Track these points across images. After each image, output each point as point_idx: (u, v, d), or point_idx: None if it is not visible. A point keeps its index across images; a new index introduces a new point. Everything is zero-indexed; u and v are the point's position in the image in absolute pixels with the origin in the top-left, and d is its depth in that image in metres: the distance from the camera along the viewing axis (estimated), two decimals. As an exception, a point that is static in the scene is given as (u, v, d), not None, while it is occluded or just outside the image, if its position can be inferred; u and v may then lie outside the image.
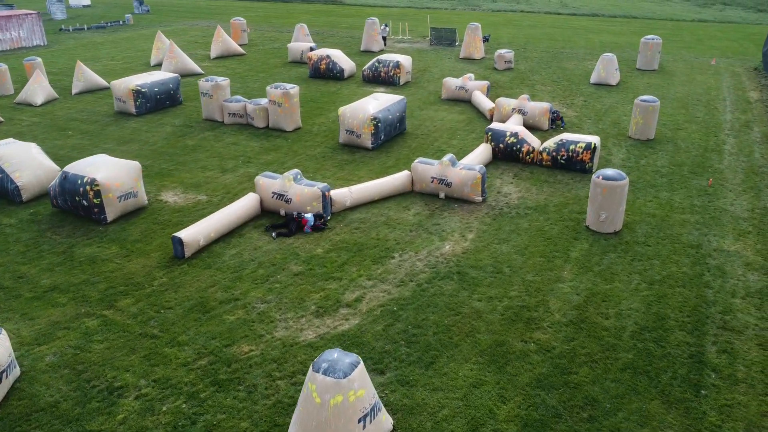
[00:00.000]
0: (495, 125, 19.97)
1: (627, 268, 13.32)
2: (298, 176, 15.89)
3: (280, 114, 22.86)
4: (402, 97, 22.32)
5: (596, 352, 10.72)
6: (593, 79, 29.68)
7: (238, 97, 24.28)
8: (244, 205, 15.56)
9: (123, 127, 23.82)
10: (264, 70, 33.47)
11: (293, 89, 22.56)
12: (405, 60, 29.88)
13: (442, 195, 16.86)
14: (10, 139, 18.23)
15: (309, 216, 15.11)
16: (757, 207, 16.20)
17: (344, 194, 16.21)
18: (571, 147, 18.58)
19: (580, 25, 48.55)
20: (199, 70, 32.82)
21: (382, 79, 30.12)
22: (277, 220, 15.65)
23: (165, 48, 34.54)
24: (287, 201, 15.61)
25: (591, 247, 14.25)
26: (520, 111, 22.82)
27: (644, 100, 21.18)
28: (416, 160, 17.37)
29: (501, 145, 19.55)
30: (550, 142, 19.10)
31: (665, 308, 11.91)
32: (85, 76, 29.08)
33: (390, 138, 21.64)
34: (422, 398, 9.73)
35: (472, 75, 26.97)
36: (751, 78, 30.66)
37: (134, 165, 16.16)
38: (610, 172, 14.66)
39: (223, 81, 24.24)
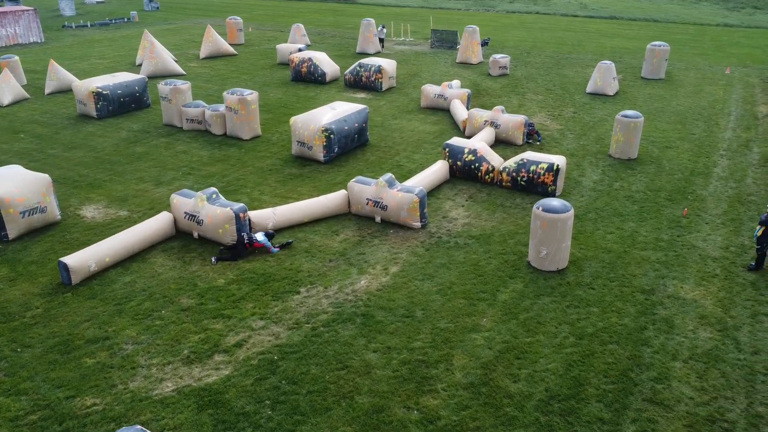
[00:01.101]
0: (454, 140, 18.25)
1: (558, 317, 11.54)
2: (214, 196, 14.48)
3: (236, 122, 21.54)
4: (363, 106, 20.76)
5: (488, 426, 9.02)
6: (589, 88, 27.60)
7: (198, 102, 23.06)
8: (153, 225, 14.25)
9: (78, 131, 22.84)
10: (248, 72, 32.28)
11: (251, 95, 21.22)
12: (387, 64, 28.27)
13: (378, 219, 15.28)
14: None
15: (262, 239, 13.79)
16: (732, 244, 14.16)
17: (266, 216, 14.76)
18: (532, 168, 16.74)
19: (595, 29, 46.12)
20: (180, 70, 31.79)
21: (363, 84, 28.59)
22: (215, 246, 14.30)
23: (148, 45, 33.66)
24: (199, 223, 14.23)
25: (525, 288, 12.49)
26: (492, 124, 21.02)
27: (626, 116, 19.17)
28: (354, 179, 15.80)
29: (459, 163, 17.83)
30: (511, 162, 17.30)
31: (587, 371, 10.12)
32: (58, 75, 28.27)
33: (346, 150, 20.10)
34: (263, 479, 8.23)
35: (453, 83, 25.21)
36: (765, 90, 28.10)
37: (43, 178, 15.00)
38: (554, 203, 12.86)
39: (183, 84, 23.05)
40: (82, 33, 45.69)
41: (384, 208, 15.06)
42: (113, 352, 10.71)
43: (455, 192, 17.24)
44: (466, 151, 17.71)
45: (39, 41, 41.81)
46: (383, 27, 37.93)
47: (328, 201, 15.51)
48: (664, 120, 23.51)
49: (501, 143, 20.85)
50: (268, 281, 12.82)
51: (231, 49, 36.94)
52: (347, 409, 9.36)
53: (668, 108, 25.12)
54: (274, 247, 13.96)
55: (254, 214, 14.66)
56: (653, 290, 12.40)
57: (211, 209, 14.07)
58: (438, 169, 17.53)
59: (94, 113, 24.14)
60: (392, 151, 20.57)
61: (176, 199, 14.67)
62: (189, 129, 22.75)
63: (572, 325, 11.30)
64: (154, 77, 30.71)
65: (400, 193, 14.87)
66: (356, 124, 20.07)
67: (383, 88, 28.21)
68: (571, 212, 12.76)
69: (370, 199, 15.24)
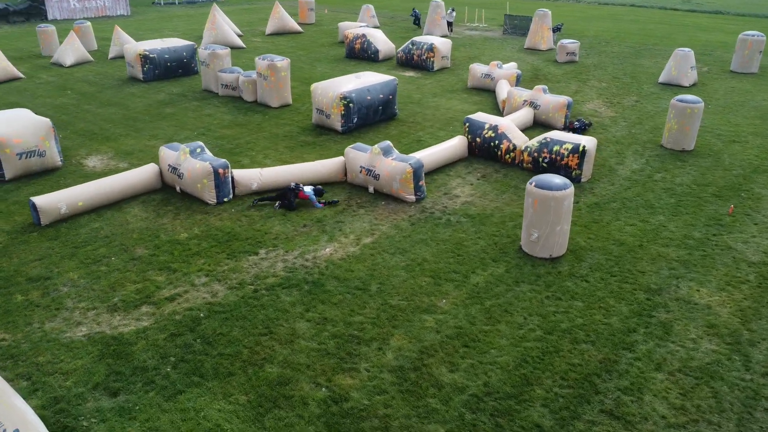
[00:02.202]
0: (477, 115, 16.65)
1: (531, 307, 9.87)
2: (199, 150, 13.85)
3: (266, 88, 20.98)
4: (392, 78, 19.53)
5: (399, 416, 7.65)
6: (662, 78, 24.80)
7: (235, 68, 22.74)
8: (135, 176, 13.83)
9: (120, 91, 23.21)
10: (306, 48, 31.88)
11: (282, 62, 20.57)
12: (441, 43, 26.80)
13: (371, 189, 14.07)
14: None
15: (308, 189, 13.32)
16: (779, 250, 11.77)
17: (252, 176, 13.96)
18: (555, 148, 14.87)
19: (693, 22, 42.06)
20: (240, 43, 31.87)
21: (414, 63, 27.32)
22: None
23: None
24: (180, 176, 13.66)
25: (506, 273, 10.87)
26: (532, 104, 19.14)
27: (682, 101, 16.74)
28: (351, 145, 14.67)
29: (478, 139, 16.23)
30: (534, 141, 15.49)
31: (543, 370, 8.46)
32: (121, 41, 29.08)
33: (369, 122, 18.97)
34: (130, 438, 7.35)
35: (507, 64, 23.37)
36: None
37: (43, 122, 15.01)
38: (553, 179, 11.11)
39: (222, 50, 22.82)
40: (168, 9, 47.39)
41: (376, 177, 13.84)
42: (46, 292, 10.26)
43: (469, 170, 15.68)
44: (487, 126, 16.08)
45: (125, 14, 43.73)
46: (452, 10, 36.33)
47: (322, 167, 14.48)
48: (741, 114, 20.55)
49: (540, 126, 18.94)
50: (231, 240, 12.00)
51: (297, 27, 36.78)
52: (251, 377, 8.30)
53: (750, 102, 22.00)
54: (319, 202, 13.32)
55: (239, 173, 13.90)
56: (660, 290, 10.40)
57: (191, 163, 13.44)
58: (453, 145, 16.03)
59: (140, 75, 24.47)
60: (418, 126, 19.23)
61: (163, 151, 14.20)
62: (224, 95, 22.48)
63: (545, 317, 9.61)
64: (213, 48, 30.91)
65: (394, 162, 13.58)
66: (381, 96, 18.89)
67: (434, 68, 26.79)
68: (570, 190, 10.96)
69: (364, 167, 14.06)
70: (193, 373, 8.39)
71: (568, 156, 14.66)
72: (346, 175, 14.65)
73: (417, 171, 13.43)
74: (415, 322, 9.47)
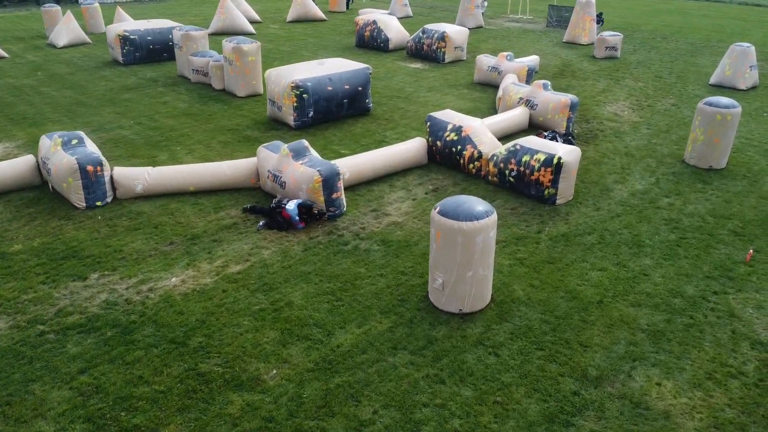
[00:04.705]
0: (442, 113, 13.45)
1: (392, 392, 6.76)
2: (75, 141, 11.43)
3: (231, 74, 18.52)
4: (364, 66, 16.54)
5: None
6: (714, 78, 20.53)
7: (209, 51, 20.43)
8: (7, 169, 11.62)
9: (93, 74, 21.41)
10: (319, 36, 29.32)
11: (249, 45, 18.02)
12: (455, 32, 23.49)
13: (278, 199, 11.21)
14: None
15: (291, 207, 10.35)
16: (807, 324, 8.02)
17: (138, 176, 11.43)
18: (525, 159, 11.51)
19: (776, 19, 36.47)
20: (250, 29, 29.70)
21: (424, 54, 24.15)
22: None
23: (235, 3, 32.24)
24: (48, 171, 11.33)
25: (388, 332, 7.77)
26: (528, 102, 15.68)
27: (711, 104, 12.89)
28: (265, 144, 11.88)
29: (438, 143, 13.06)
30: (502, 148, 12.16)
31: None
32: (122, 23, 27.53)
33: (331, 117, 16.09)
34: None
35: (511, 53, 19.85)
36: None
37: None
38: (476, 206, 7.89)
39: (197, 32, 20.58)
40: (202, -6, 46.11)
41: (282, 185, 10.99)
42: None
43: (422, 180, 12.56)
44: (449, 127, 12.87)
45: (158, -2, 42.71)
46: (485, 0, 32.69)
47: (228, 169, 11.78)
48: (805, 126, 16.25)
49: (537, 130, 15.46)
50: (70, 257, 9.50)
51: (320, 14, 34.27)
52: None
53: (822, 112, 17.55)
54: (301, 223, 10.41)
55: (122, 172, 11.40)
56: (601, 379, 7.02)
57: (60, 157, 11.06)
58: (407, 149, 12.93)
59: (120, 58, 22.63)
60: (390, 124, 16.18)
61: (42, 141, 11.92)
62: (196, 81, 20.23)
63: (406, 413, 6.49)
64: (222, 34, 28.94)
65: (303, 167, 10.67)
66: (346, 87, 15.96)
67: (446, 60, 23.53)
68: (489, 220, 7.71)
69: (271, 172, 11.24)
70: None
71: (539, 170, 11.26)
72: (259, 178, 11.88)
73: (328, 180, 10.47)
74: (214, 405, 6.60)
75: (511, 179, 11.75)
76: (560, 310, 8.25)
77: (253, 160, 11.87)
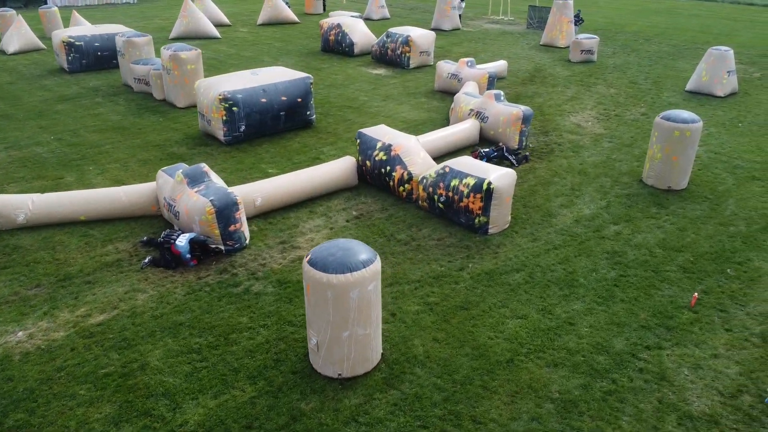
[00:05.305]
0: (375, 129, 12.20)
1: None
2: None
3: (169, 84, 17.33)
4: (306, 76, 15.31)
5: None
6: (690, 85, 19.24)
7: (152, 59, 19.23)
8: None
9: (33, 83, 20.26)
10: (287, 40, 28.13)
11: (188, 52, 16.82)
12: (420, 36, 22.24)
13: (167, 232, 9.97)
14: None
15: (181, 242, 9.13)
16: (754, 390, 6.75)
17: (21, 204, 10.23)
18: (453, 183, 10.27)
19: (768, 19, 35.15)
20: (215, 33, 28.54)
21: (389, 59, 22.93)
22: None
23: (203, 6, 31.16)
24: None
25: (248, 404, 6.54)
26: (479, 114, 14.44)
27: (669, 118, 11.61)
28: (165, 168, 10.66)
29: (368, 162, 11.83)
30: (432, 170, 10.92)
31: None
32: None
33: (267, 132, 14.87)
34: None
35: (472, 59, 18.58)
36: None
37: None
38: (355, 252, 6.65)
39: (141, 38, 19.41)
40: (182, -2, 44.97)
41: (176, 215, 9.78)
42: None
43: (348, 204, 11.33)
44: (378, 146, 11.63)
45: (132, 2, 41.58)
46: (462, 0, 31.36)
47: (125, 195, 10.56)
48: (782, 138, 14.97)
49: (475, 147, 14.23)
50: None
51: (293, 17, 33.10)
52: None
53: (802, 121, 16.26)
54: (192, 260, 9.17)
55: (1, 200, 10.20)
56: (487, 470, 5.78)
57: (-72, 184, 9.87)
58: (332, 170, 11.69)
59: (65, 66, 21.47)
60: (332, 138, 14.96)
61: None
62: (138, 90, 19.05)
63: None
64: (184, 39, 27.82)
65: (197, 195, 9.45)
66: (283, 98, 14.74)
67: (411, 65, 22.29)
68: (367, 272, 6.46)
69: (167, 200, 10.03)
70: None
71: (468, 196, 10.01)
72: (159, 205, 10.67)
73: (223, 211, 9.25)
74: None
75: (441, 205, 10.51)
76: (461, 372, 7.01)
77: (152, 185, 10.65)
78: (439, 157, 12.95)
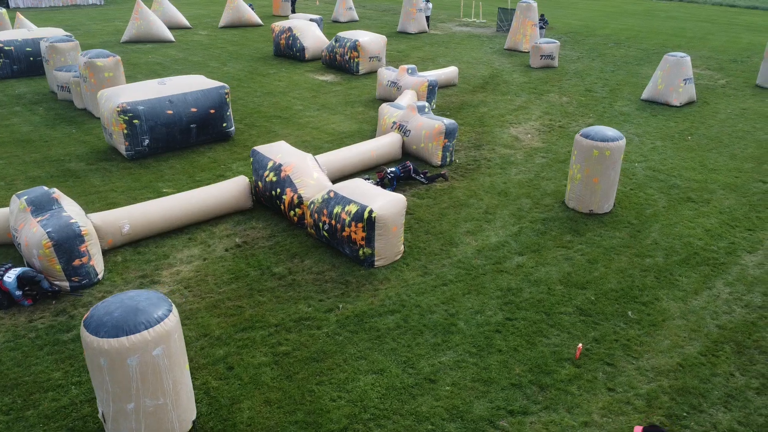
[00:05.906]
0: (269, 147, 11.15)
1: None
2: None
3: (86, 92, 16.32)
4: (219, 84, 14.27)
5: None
6: (646, 93, 18.24)
7: (75, 65, 18.20)
8: None
9: (-44, 90, 19.26)
10: (242, 44, 27.10)
11: (105, 59, 15.80)
12: (369, 40, 21.20)
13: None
14: None
15: (9, 280, 7.99)
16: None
17: None
18: (336, 210, 9.23)
19: (747, 21, 34.12)
20: (169, 36, 27.50)
21: (338, 65, 21.91)
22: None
23: (161, 9, 30.20)
24: None
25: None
26: (401, 128, 13.40)
27: (588, 136, 10.56)
28: (19, 192, 9.59)
29: (260, 184, 10.79)
30: (318, 195, 9.88)
31: None
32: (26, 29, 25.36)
33: (177, 146, 13.84)
34: None
35: (414, 66, 17.55)
36: None
37: None
38: (116, 307, 5.62)
39: (65, 43, 18.40)
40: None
41: (18, 246, 8.75)
42: None
43: (235, 230, 10.30)
44: (269, 165, 10.59)
45: (98, 3, 40.57)
46: (427, 1, 30.35)
47: (-20, 221, 9.52)
48: (731, 152, 13.96)
49: (419, 161, 13.22)
50: None
51: (256, 19, 32.08)
52: None
53: (755, 134, 15.24)
54: (26, 299, 8.09)
55: None
56: None
57: None
58: (220, 192, 10.64)
59: (-5, 72, 20.48)
60: (246, 153, 13.92)
61: None
62: (62, 98, 18.03)
63: None
64: (135, 42, 26.83)
65: (37, 226, 8.42)
66: (193, 110, 13.72)
67: (360, 71, 21.26)
68: (156, 332, 5.42)
69: (12, 229, 8.99)
70: None
71: (350, 225, 8.97)
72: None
73: (62, 245, 8.21)
74: None
75: (326, 234, 9.47)
76: (287, 444, 5.98)
77: (5, 210, 9.62)
78: (351, 176, 11.93)
